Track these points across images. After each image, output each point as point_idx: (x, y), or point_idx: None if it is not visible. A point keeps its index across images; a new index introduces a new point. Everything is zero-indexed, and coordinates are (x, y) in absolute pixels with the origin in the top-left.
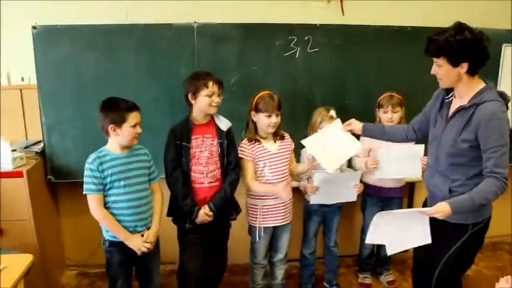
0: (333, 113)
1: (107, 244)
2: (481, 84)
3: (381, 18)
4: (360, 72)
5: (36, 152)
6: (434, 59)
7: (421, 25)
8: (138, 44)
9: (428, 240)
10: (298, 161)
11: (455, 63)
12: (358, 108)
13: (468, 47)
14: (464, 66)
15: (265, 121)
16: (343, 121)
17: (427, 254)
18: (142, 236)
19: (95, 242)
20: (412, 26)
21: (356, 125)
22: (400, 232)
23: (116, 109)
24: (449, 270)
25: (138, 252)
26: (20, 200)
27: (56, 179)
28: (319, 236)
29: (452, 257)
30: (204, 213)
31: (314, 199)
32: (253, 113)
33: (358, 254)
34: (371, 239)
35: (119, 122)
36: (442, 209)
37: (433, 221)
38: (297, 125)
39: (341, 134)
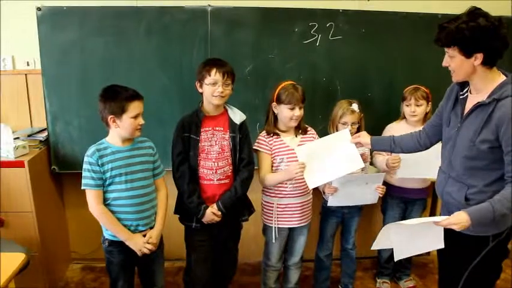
0: (355, 106)
1: (107, 243)
2: (500, 77)
3: (409, 5)
4: (385, 63)
5: (41, 141)
6: (446, 49)
7: (452, 13)
8: (148, 28)
9: (441, 245)
10: None
11: (468, 54)
12: (382, 102)
13: (482, 35)
14: (479, 57)
15: (287, 114)
16: (365, 116)
17: (447, 270)
18: (145, 236)
19: (101, 235)
20: (442, 14)
21: (364, 138)
22: (411, 238)
23: (115, 98)
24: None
25: (139, 253)
26: (21, 191)
27: (60, 170)
28: (336, 236)
29: (474, 274)
30: (212, 213)
31: (332, 201)
32: (274, 104)
33: (377, 257)
34: (378, 245)
35: (119, 113)
36: (459, 220)
37: (450, 233)
38: (315, 118)
39: (345, 147)
